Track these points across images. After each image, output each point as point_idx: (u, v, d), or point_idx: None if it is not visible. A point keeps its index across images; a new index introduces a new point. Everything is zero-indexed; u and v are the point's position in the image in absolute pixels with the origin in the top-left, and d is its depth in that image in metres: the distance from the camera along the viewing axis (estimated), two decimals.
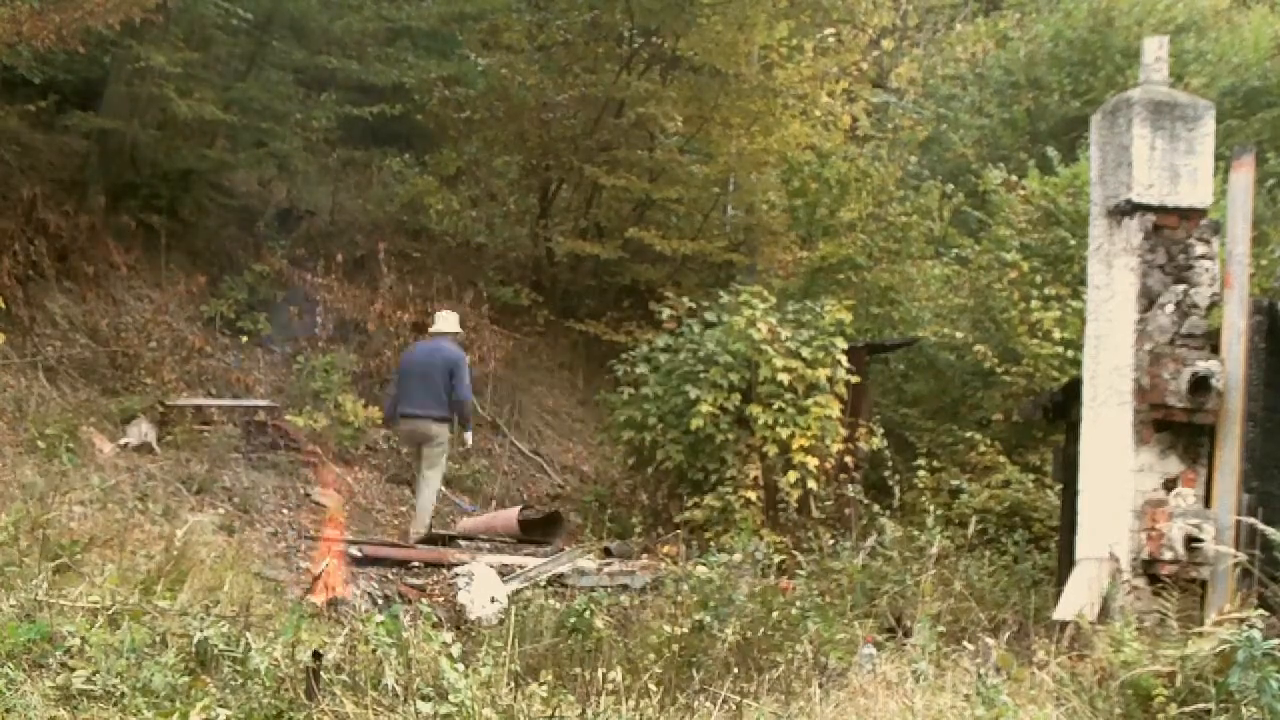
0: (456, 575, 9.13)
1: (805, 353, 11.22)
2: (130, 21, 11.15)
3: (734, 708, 5.56)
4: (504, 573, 9.53)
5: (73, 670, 5.23)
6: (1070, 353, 11.66)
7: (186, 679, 5.19)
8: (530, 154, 16.16)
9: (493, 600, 8.73)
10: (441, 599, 8.77)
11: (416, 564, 9.94)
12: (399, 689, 5.09)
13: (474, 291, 14.34)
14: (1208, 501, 7.42)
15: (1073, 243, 12.76)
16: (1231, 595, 6.86)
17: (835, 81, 16.83)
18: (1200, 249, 7.65)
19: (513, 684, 5.33)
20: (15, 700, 4.86)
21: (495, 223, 16.59)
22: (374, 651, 5.30)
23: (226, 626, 5.65)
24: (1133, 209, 7.61)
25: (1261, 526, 6.89)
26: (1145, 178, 7.58)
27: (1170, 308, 7.56)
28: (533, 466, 13.79)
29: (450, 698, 4.90)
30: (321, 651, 5.24)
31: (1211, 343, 7.53)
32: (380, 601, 8.88)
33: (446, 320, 11.44)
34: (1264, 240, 12.80)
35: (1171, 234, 7.64)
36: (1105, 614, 7.04)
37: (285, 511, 10.66)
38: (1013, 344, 12.56)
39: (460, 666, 5.09)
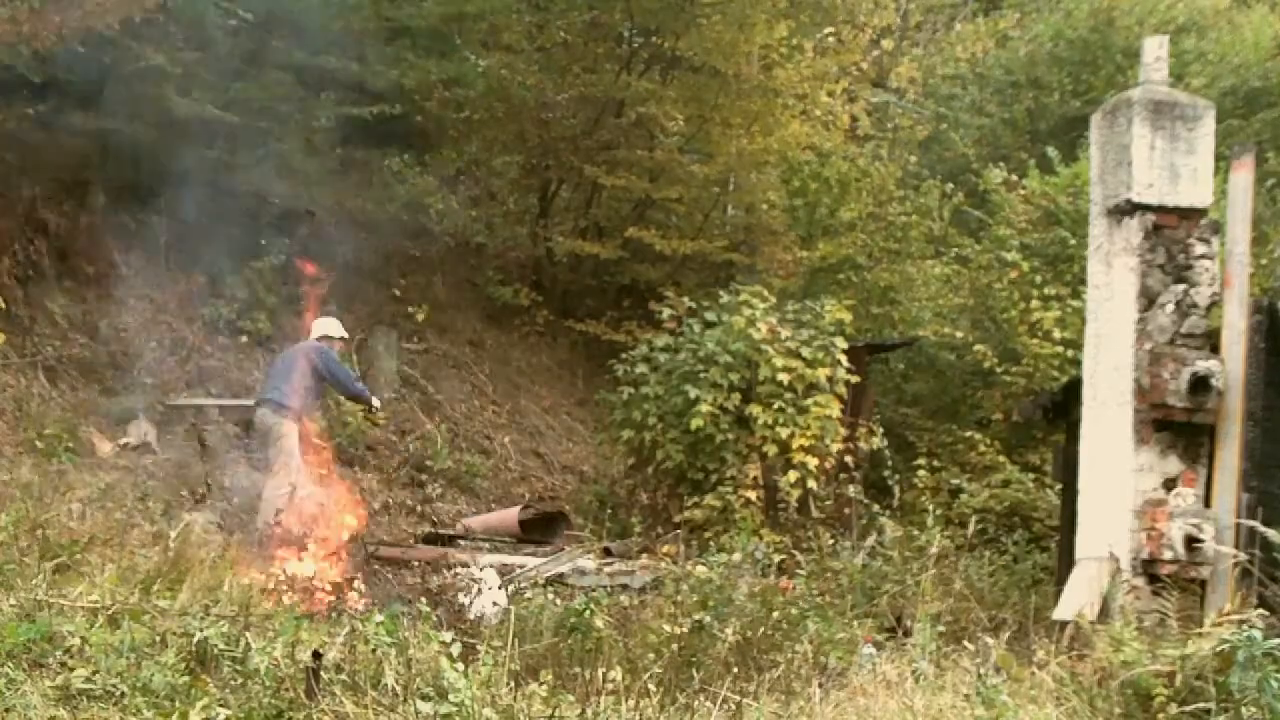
0: (457, 575, 9.13)
1: (805, 352, 11.22)
2: (130, 21, 11.14)
3: (734, 708, 5.56)
4: (504, 573, 9.53)
5: (72, 670, 5.23)
6: (1070, 353, 11.67)
7: (186, 679, 5.18)
8: (530, 154, 16.16)
9: (493, 600, 8.73)
10: (441, 599, 8.76)
11: (416, 564, 9.93)
12: (399, 689, 5.09)
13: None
14: (1208, 501, 7.42)
15: (1073, 242, 12.77)
16: (1231, 595, 6.86)
17: (835, 81, 16.83)
18: (1200, 249, 7.64)
19: (513, 684, 5.33)
20: (15, 700, 4.86)
21: (495, 223, 16.59)
22: (374, 651, 5.30)
23: (226, 626, 5.65)
24: (1132, 208, 7.61)
25: (1261, 529, 6.89)
26: (1145, 177, 7.57)
27: (1170, 307, 7.55)
28: (533, 466, 13.79)
29: (450, 697, 4.89)
30: (321, 651, 5.24)
31: (1211, 342, 7.52)
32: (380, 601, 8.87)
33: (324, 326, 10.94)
34: (1264, 240, 12.80)
35: (1171, 234, 7.64)
36: (1105, 614, 7.04)
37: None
38: (1013, 344, 12.57)
39: (460, 666, 5.09)
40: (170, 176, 13.09)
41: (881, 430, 11.77)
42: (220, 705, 4.94)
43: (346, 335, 11.22)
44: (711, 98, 15.09)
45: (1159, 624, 6.65)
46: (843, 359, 11.34)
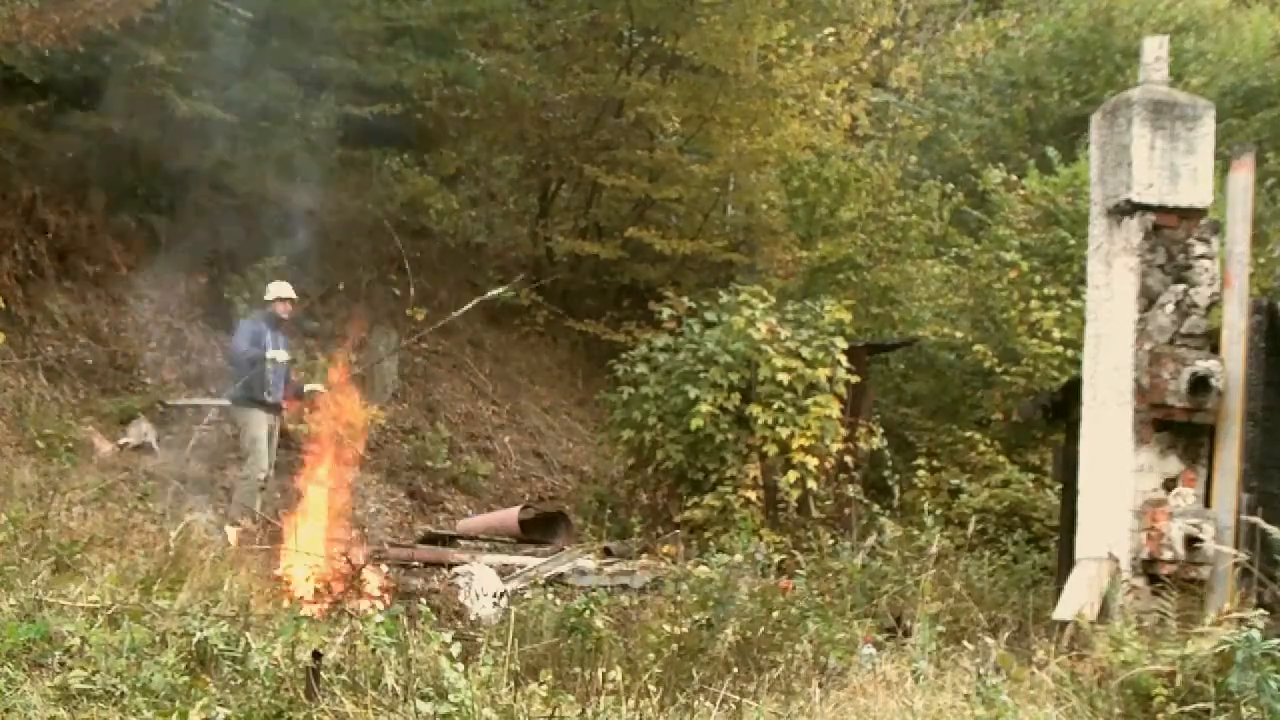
0: (456, 575, 9.13)
1: (805, 352, 11.22)
2: (130, 21, 11.14)
3: (734, 707, 5.56)
4: (504, 573, 9.53)
5: (72, 670, 5.23)
6: (1070, 353, 11.67)
7: (186, 679, 5.18)
8: (530, 154, 16.17)
9: (493, 600, 8.73)
10: (441, 599, 8.76)
11: (416, 564, 9.94)
12: (399, 689, 5.09)
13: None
14: (1208, 501, 7.42)
15: (1072, 242, 12.77)
16: (1231, 595, 6.86)
17: (835, 81, 16.83)
18: (1200, 249, 7.64)
19: (513, 684, 5.33)
20: (15, 700, 4.86)
21: (495, 223, 16.60)
22: (374, 651, 5.29)
23: (226, 626, 5.65)
24: (1132, 209, 7.61)
25: (1263, 525, 6.88)
26: (1145, 177, 7.57)
27: (1170, 307, 7.55)
28: (533, 466, 13.79)
29: (450, 698, 4.89)
30: (321, 651, 5.24)
31: (1211, 342, 7.52)
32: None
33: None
34: (1264, 240, 12.81)
35: (1171, 234, 7.64)
36: (1105, 614, 7.04)
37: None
38: (1013, 344, 12.57)
39: (460, 666, 5.08)
40: (170, 176, 13.10)
41: (881, 430, 11.77)
42: (220, 705, 4.94)
43: (289, 296, 10.98)
44: (711, 98, 15.09)
45: (1159, 624, 6.65)
46: (843, 359, 11.34)
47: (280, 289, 11.00)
